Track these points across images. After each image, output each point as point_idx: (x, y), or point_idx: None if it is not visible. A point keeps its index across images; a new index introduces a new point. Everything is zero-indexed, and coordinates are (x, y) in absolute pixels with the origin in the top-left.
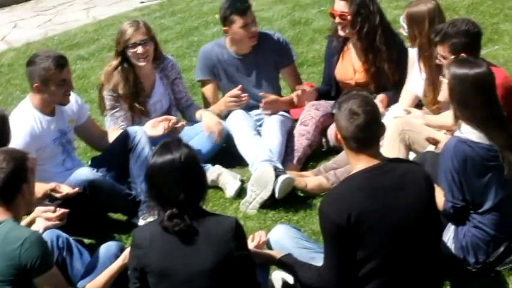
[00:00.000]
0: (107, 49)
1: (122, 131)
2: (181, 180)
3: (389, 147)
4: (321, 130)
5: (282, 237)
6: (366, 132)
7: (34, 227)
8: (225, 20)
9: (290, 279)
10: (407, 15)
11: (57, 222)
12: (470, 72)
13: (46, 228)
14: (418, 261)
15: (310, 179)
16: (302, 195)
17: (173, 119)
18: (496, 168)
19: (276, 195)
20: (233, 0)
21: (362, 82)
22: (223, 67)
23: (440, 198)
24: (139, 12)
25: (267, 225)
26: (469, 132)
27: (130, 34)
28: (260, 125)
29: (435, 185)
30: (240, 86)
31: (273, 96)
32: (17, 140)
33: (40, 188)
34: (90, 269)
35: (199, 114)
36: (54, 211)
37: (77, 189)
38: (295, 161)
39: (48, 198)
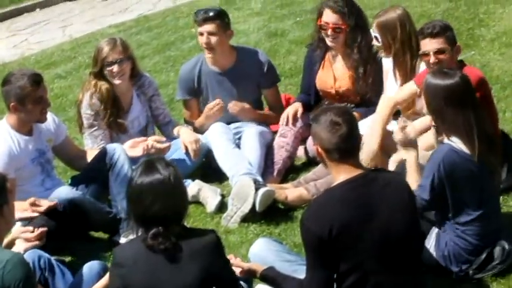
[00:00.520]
0: (84, 67)
1: (100, 149)
2: (169, 199)
3: (370, 156)
4: (300, 141)
5: (263, 251)
6: (348, 142)
7: (14, 249)
8: None
9: None
10: (378, 24)
11: (36, 242)
12: (442, 84)
13: (26, 250)
14: (401, 271)
15: (290, 191)
16: (283, 207)
17: (152, 142)
18: (482, 180)
19: (257, 208)
20: (201, 9)
21: (342, 91)
22: (205, 83)
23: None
24: (116, 29)
25: (248, 239)
26: (460, 142)
27: (107, 52)
28: (239, 138)
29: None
30: (218, 100)
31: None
32: None
33: (19, 206)
34: None
35: (177, 130)
36: (33, 231)
37: (55, 201)
38: (275, 173)
39: (28, 221)
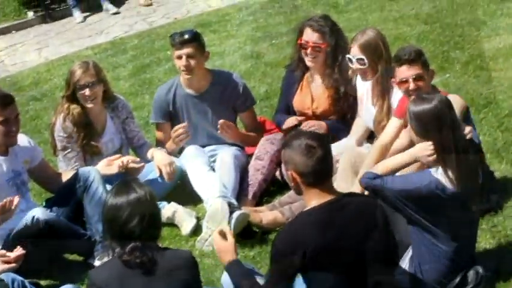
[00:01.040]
0: (60, 89)
1: (75, 171)
2: (145, 216)
3: (343, 180)
4: (276, 164)
5: None
6: (324, 165)
7: None
8: None
9: None
10: (361, 46)
11: (13, 265)
12: (422, 109)
13: (1, 272)
14: None
15: (265, 214)
16: (258, 230)
17: (127, 158)
18: (459, 208)
19: (232, 230)
20: (176, 32)
21: (320, 111)
22: (180, 106)
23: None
24: (92, 51)
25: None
26: (439, 173)
27: (79, 76)
28: (214, 161)
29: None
30: (185, 124)
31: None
32: None
33: None
34: None
35: (151, 153)
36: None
37: (22, 252)
38: (250, 196)
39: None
